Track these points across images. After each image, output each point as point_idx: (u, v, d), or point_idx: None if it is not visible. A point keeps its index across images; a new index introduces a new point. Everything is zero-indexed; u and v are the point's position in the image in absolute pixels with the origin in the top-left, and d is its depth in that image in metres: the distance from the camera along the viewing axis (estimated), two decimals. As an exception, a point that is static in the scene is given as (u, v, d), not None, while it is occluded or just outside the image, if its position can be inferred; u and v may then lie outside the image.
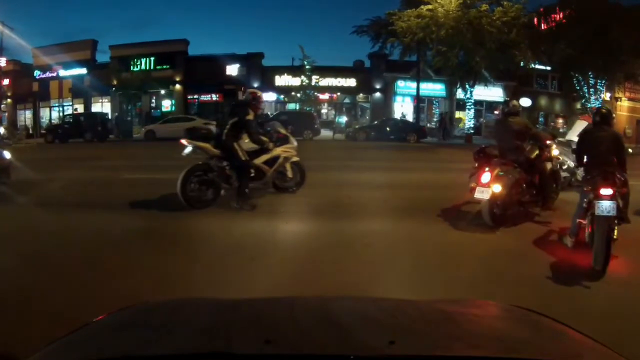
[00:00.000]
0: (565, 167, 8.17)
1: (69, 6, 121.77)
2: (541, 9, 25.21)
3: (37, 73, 36.50)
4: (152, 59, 33.39)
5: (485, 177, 5.62)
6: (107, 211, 6.67)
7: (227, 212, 6.52)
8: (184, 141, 6.63)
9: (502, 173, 5.68)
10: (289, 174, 7.60)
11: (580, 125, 8.14)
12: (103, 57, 35.55)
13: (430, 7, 23.92)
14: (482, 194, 5.57)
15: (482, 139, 30.61)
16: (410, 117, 30.32)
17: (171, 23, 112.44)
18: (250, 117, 6.57)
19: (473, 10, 24.04)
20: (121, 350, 1.05)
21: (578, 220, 4.74)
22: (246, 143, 6.74)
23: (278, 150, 7.22)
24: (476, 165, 6.22)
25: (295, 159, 7.61)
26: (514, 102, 6.65)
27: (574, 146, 6.03)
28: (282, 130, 7.60)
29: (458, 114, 33.44)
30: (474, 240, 5.46)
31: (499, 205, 5.73)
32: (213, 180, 6.64)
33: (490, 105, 33.48)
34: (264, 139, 6.95)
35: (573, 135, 8.00)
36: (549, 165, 6.63)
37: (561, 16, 27.52)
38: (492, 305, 1.61)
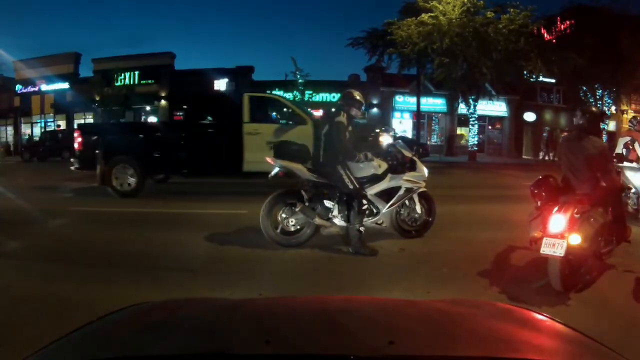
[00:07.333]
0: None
1: (56, 24, 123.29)
2: (542, 20, 25.57)
3: (18, 87, 36.76)
4: (137, 73, 33.64)
5: (557, 223, 4.01)
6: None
7: (316, 258, 5.29)
8: (269, 159, 5.72)
9: (578, 215, 4.09)
10: (418, 208, 6.06)
11: (622, 141, 7.59)
12: (87, 71, 35.89)
13: (432, 14, 23.81)
14: (554, 249, 3.95)
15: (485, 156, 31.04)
16: (409, 134, 30.34)
17: (158, 36, 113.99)
18: (342, 119, 5.52)
19: (479, 17, 23.98)
20: (121, 350, 1.10)
21: None
22: (361, 168, 5.69)
23: (399, 179, 5.88)
24: (538, 203, 4.58)
25: (422, 189, 6.08)
26: (594, 110, 5.01)
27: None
28: (407, 153, 6.10)
29: (459, 130, 33.78)
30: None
31: (571, 262, 4.13)
32: (304, 211, 5.52)
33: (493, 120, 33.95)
34: (356, 152, 5.67)
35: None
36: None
37: (563, 27, 28.14)
38: (492, 305, 1.69)
